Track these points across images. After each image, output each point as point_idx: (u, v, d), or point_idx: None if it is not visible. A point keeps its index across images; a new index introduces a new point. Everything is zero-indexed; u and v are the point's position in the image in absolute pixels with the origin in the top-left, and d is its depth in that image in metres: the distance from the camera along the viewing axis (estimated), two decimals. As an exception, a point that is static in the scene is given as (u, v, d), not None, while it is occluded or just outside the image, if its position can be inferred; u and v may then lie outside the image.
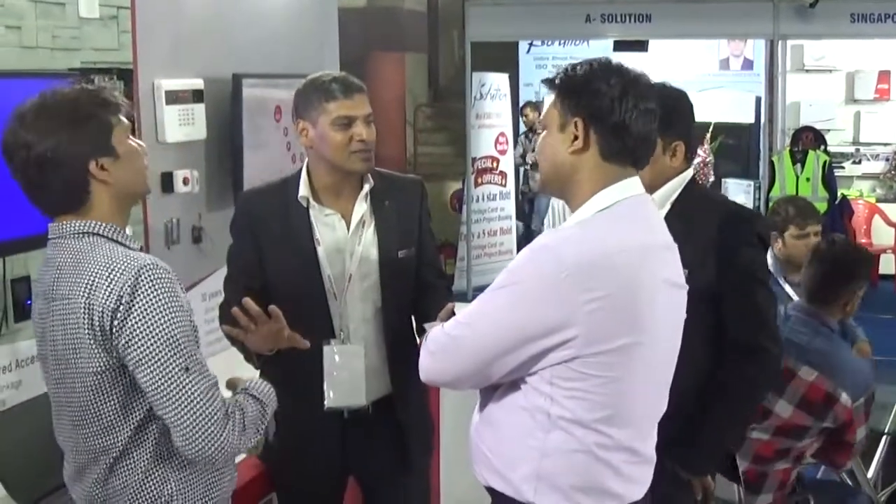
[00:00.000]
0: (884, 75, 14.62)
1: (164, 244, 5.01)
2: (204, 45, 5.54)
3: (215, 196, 5.61)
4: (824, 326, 4.89)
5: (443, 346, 2.99)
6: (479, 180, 13.51)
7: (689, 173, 3.79)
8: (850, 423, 4.72)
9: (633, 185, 2.95)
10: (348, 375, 3.94)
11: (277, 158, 5.99)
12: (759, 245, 3.89)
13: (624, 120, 2.88)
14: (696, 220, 3.62)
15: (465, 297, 11.77)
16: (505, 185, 13.89)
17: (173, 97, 5.02)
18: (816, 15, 11.80)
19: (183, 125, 5.11)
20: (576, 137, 2.90)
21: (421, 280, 4.09)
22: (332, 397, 3.94)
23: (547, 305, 2.77)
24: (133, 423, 2.94)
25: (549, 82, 3.02)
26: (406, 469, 4.12)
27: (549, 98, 3.06)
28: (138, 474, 2.96)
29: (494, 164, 13.75)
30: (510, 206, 14.01)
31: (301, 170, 4.01)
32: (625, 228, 2.88)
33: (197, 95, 5.34)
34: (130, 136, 3.06)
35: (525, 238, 14.26)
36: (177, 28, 5.30)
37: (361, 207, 3.98)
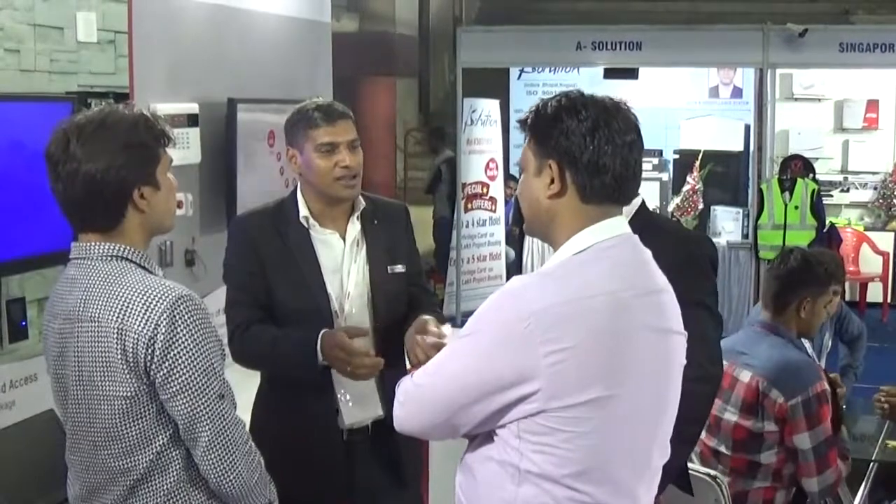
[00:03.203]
0: (872, 104, 14.67)
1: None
2: (199, 70, 5.58)
3: (209, 219, 5.65)
4: (776, 335, 4.97)
5: (410, 396, 2.87)
6: (469, 205, 13.52)
7: (639, 199, 3.79)
8: (784, 421, 4.77)
9: (613, 225, 2.78)
10: (361, 391, 4.00)
11: (271, 182, 6.04)
12: (709, 269, 3.90)
13: (598, 158, 2.70)
14: (646, 245, 3.55)
15: (455, 322, 11.76)
16: (495, 211, 13.89)
17: (169, 121, 5.04)
18: (806, 44, 11.84)
19: (178, 149, 5.13)
20: (552, 181, 2.74)
21: (411, 299, 4.14)
22: (347, 415, 4.02)
23: (506, 357, 2.61)
24: (156, 448, 2.97)
25: (521, 124, 2.86)
26: (402, 489, 4.16)
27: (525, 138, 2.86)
28: (160, 497, 2.99)
29: (484, 190, 13.75)
30: (500, 232, 14.00)
31: (295, 193, 4.08)
32: (599, 272, 2.70)
33: (192, 119, 5.39)
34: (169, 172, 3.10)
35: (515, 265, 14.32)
36: (173, 53, 5.35)
37: (355, 227, 4.05)
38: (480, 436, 2.80)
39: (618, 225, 2.79)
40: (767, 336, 4.96)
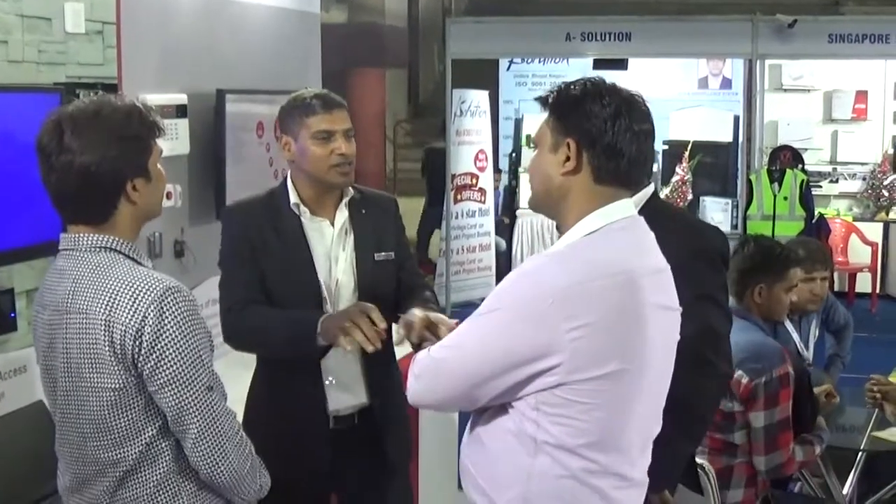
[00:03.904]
0: (861, 95, 14.68)
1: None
2: (188, 61, 5.58)
3: (198, 211, 5.64)
4: (743, 320, 5.05)
5: (428, 370, 2.96)
6: (459, 197, 13.51)
7: (651, 188, 3.76)
8: (747, 400, 4.86)
9: (623, 207, 2.90)
10: (347, 377, 4.03)
11: (259, 173, 6.03)
12: (719, 262, 3.86)
13: (616, 142, 2.83)
14: (657, 235, 3.49)
15: (444, 314, 11.68)
16: (484, 202, 13.88)
17: (157, 112, 5.03)
18: (795, 35, 11.86)
19: (166, 140, 5.12)
20: (568, 158, 2.86)
21: (403, 285, 4.17)
22: (332, 401, 4.04)
23: (529, 333, 2.73)
24: (145, 439, 2.96)
25: (542, 101, 2.97)
26: (387, 477, 4.19)
27: (540, 117, 2.98)
28: (150, 487, 2.99)
29: (474, 181, 13.74)
30: (489, 223, 14.00)
31: (285, 182, 4.10)
32: (612, 253, 2.83)
33: (181, 110, 5.37)
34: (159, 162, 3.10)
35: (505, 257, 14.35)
36: (161, 44, 5.34)
37: (343, 214, 4.08)
38: (492, 409, 2.90)
39: (626, 207, 2.91)
40: (736, 321, 5.01)
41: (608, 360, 2.75)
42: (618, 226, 2.87)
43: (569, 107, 2.89)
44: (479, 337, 2.86)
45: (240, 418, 3.18)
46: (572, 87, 2.92)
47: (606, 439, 2.83)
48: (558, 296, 2.70)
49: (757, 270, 5.17)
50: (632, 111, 2.87)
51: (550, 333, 2.70)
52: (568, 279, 2.73)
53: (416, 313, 3.57)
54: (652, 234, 2.97)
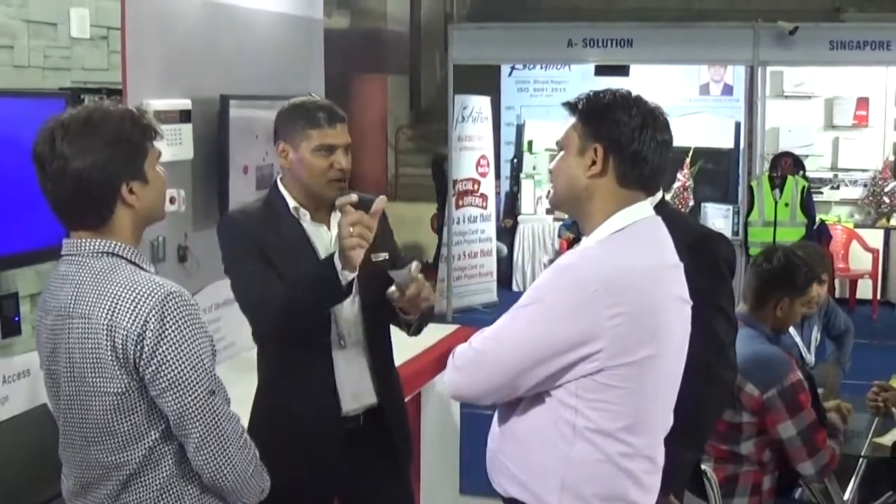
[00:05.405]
0: (862, 102, 14.69)
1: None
2: (192, 66, 5.59)
3: (201, 215, 5.65)
4: (752, 329, 5.03)
5: (470, 361, 3.08)
6: (460, 202, 13.53)
7: (660, 194, 3.81)
8: (763, 412, 4.86)
9: (643, 208, 3.10)
10: (357, 378, 4.04)
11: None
12: (724, 270, 3.93)
13: (641, 150, 3.03)
14: None
15: (445, 319, 11.71)
16: (486, 208, 13.91)
17: (161, 117, 5.05)
18: (796, 42, 11.90)
19: (170, 145, 5.15)
20: (594, 162, 3.05)
21: None
22: (347, 402, 4.05)
23: (573, 321, 2.90)
24: (148, 443, 2.97)
25: (570, 107, 3.14)
26: (391, 477, 4.22)
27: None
28: (153, 491, 2.99)
29: (475, 187, 13.77)
30: (490, 229, 14.02)
31: (277, 188, 4.10)
32: (639, 248, 3.03)
33: (184, 115, 5.38)
34: (158, 165, 3.09)
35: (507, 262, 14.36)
36: (166, 49, 5.35)
37: (337, 218, 4.05)
38: (526, 400, 3.07)
39: (646, 208, 3.13)
40: (741, 328, 4.98)
41: (642, 346, 2.94)
42: (641, 225, 3.07)
43: (598, 114, 3.07)
44: (521, 327, 3.00)
45: (244, 422, 3.18)
46: (602, 95, 3.10)
47: (640, 422, 3.02)
48: (600, 286, 2.89)
49: (785, 286, 5.15)
50: (656, 122, 3.07)
51: (593, 321, 2.88)
52: (606, 271, 2.92)
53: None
54: (668, 233, 3.16)
